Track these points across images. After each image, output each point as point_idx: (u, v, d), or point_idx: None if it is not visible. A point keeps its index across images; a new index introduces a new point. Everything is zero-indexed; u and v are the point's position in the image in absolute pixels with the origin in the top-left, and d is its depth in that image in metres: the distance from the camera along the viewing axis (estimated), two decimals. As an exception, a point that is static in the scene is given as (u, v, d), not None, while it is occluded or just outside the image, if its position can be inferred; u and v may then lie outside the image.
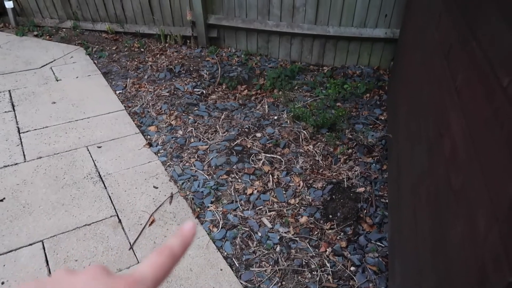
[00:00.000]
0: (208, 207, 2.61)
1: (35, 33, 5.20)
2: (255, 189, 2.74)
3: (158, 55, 4.67)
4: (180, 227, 0.39)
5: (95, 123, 3.43)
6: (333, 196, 2.66)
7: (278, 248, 2.34)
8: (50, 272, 2.14)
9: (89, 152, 3.07)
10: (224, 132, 3.33)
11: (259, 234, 2.43)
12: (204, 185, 2.77)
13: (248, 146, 3.16)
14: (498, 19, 1.09)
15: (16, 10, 5.31)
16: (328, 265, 2.23)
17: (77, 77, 4.18)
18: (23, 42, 4.96)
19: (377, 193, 2.67)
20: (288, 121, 3.44)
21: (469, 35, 1.34)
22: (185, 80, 4.13)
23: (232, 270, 2.20)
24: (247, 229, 2.46)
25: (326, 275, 2.18)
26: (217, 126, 3.41)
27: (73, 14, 5.25)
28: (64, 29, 5.29)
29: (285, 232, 2.43)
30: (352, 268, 2.22)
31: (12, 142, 3.15)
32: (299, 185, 2.77)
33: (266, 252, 2.32)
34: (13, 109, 3.60)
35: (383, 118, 3.46)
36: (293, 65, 4.35)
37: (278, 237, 2.40)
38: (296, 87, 4.00)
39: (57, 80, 4.11)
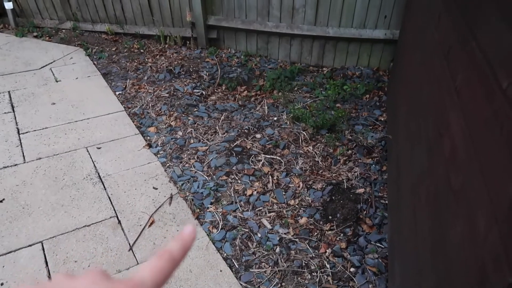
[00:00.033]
0: (207, 208, 2.61)
1: (35, 34, 5.20)
2: (255, 190, 2.74)
3: (157, 56, 4.67)
4: (180, 230, 0.39)
5: (94, 124, 3.43)
6: (333, 197, 2.66)
7: (277, 249, 2.34)
8: (49, 273, 2.14)
9: (89, 153, 3.07)
10: (224, 133, 3.33)
11: (259, 235, 2.43)
12: (204, 186, 2.76)
13: (248, 147, 3.15)
14: (497, 19, 1.10)
15: (15, 11, 5.31)
16: (327, 266, 2.23)
17: (76, 78, 4.18)
18: (22, 43, 4.96)
19: (377, 194, 2.67)
20: (288, 122, 3.44)
21: (469, 35, 1.34)
22: (184, 81, 4.13)
23: (232, 271, 2.20)
24: (247, 230, 2.46)
25: (325, 276, 2.18)
26: (217, 127, 3.41)
27: (73, 15, 5.26)
28: (63, 30, 5.29)
29: (284, 233, 2.43)
30: (352, 269, 2.21)
31: (11, 143, 3.15)
32: (298, 186, 2.77)
33: (266, 253, 2.31)
34: (13, 110, 3.59)
35: (382, 119, 3.46)
36: (292, 66, 4.35)
37: (278, 238, 2.39)
38: (295, 88, 4.00)
39: (57, 81, 4.10)
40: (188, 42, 4.88)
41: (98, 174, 2.86)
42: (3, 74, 4.21)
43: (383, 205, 2.58)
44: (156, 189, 2.75)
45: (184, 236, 0.39)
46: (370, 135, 3.19)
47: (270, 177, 2.85)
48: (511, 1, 1.03)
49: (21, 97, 3.79)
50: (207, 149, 3.15)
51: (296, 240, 2.39)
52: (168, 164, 2.98)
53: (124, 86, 4.06)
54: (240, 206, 2.62)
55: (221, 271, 2.19)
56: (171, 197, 2.67)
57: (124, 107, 3.71)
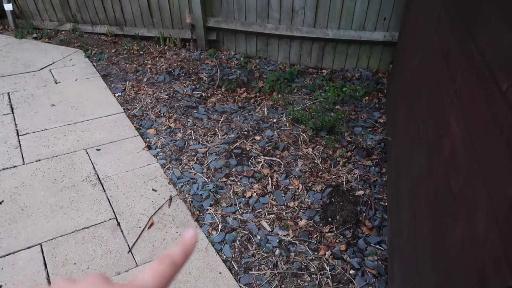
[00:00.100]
0: (207, 210, 2.61)
1: (34, 35, 5.20)
2: (254, 192, 2.74)
3: (157, 58, 4.67)
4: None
5: (94, 126, 3.43)
6: (332, 199, 2.66)
7: (277, 251, 2.33)
8: (48, 276, 2.13)
9: (88, 155, 3.06)
10: (223, 135, 3.33)
11: (258, 237, 2.42)
12: (203, 188, 2.76)
13: (247, 149, 3.15)
14: (497, 21, 1.10)
15: (15, 12, 5.31)
16: (327, 268, 2.23)
17: (76, 80, 4.18)
18: (22, 44, 4.96)
19: (376, 196, 2.67)
20: (287, 124, 3.44)
21: (468, 37, 1.34)
22: (184, 82, 4.14)
23: (231, 273, 2.20)
24: (246, 232, 2.45)
25: (325, 278, 2.17)
26: (216, 129, 3.41)
27: (73, 17, 5.26)
28: (63, 32, 5.30)
29: (284, 235, 2.43)
30: (352, 272, 2.21)
31: (11, 144, 3.15)
32: (298, 188, 2.77)
33: (265, 255, 2.31)
34: (12, 111, 3.59)
35: (382, 121, 3.46)
36: (292, 68, 4.35)
37: (277, 240, 2.39)
38: (295, 90, 4.01)
39: (56, 83, 4.10)
40: (187, 43, 4.88)
41: (98, 175, 2.86)
42: (2, 75, 4.21)
43: (383, 207, 2.58)
44: (156, 191, 2.74)
45: (185, 240, 0.39)
46: (370, 137, 3.19)
47: (269, 179, 2.85)
48: (511, 3, 1.04)
49: (20, 99, 3.79)
50: (207, 151, 3.14)
51: (295, 242, 2.38)
52: (167, 166, 2.98)
53: (123, 88, 4.06)
54: (240, 208, 2.62)
55: (220, 273, 2.19)
56: (170, 199, 2.67)
57: (124, 108, 3.71)
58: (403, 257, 1.79)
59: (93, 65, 4.50)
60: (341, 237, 2.41)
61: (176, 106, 3.72)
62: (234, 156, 3.07)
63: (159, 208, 2.59)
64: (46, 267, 2.18)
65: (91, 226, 2.45)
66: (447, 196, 1.23)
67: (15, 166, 2.92)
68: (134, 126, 3.45)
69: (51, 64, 4.48)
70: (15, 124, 3.40)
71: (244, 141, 3.24)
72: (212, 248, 2.34)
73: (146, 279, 0.35)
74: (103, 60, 4.62)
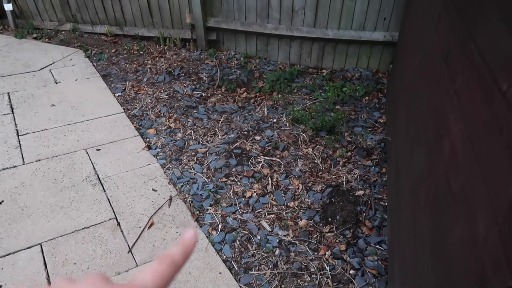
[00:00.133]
0: (207, 210, 2.61)
1: (34, 35, 5.20)
2: (254, 192, 2.74)
3: (157, 58, 4.67)
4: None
5: (94, 126, 3.43)
6: (332, 199, 2.66)
7: (277, 251, 2.33)
8: (48, 276, 2.13)
9: (88, 155, 3.06)
10: (223, 135, 3.33)
11: (258, 237, 2.42)
12: (203, 188, 2.76)
13: (247, 149, 3.15)
14: (497, 22, 1.10)
15: (15, 12, 5.31)
16: (327, 268, 2.23)
17: (76, 80, 4.18)
18: (22, 44, 4.96)
19: (376, 196, 2.67)
20: (287, 124, 3.44)
21: (468, 37, 1.34)
22: (184, 82, 4.14)
23: (231, 273, 2.20)
24: (246, 232, 2.45)
25: (325, 279, 2.17)
26: (216, 129, 3.41)
27: (73, 17, 5.26)
28: (63, 32, 5.30)
29: (284, 235, 2.43)
30: (352, 272, 2.21)
31: (11, 144, 3.15)
32: (298, 188, 2.77)
33: (265, 255, 2.31)
34: (12, 111, 3.59)
35: (382, 121, 3.47)
36: (292, 68, 4.35)
37: (277, 240, 2.39)
38: (295, 90, 4.01)
39: (56, 83, 4.10)
40: (187, 43, 4.88)
41: (98, 175, 2.86)
42: (2, 75, 4.21)
43: (383, 207, 2.58)
44: (156, 191, 2.74)
45: (186, 240, 0.39)
46: (370, 137, 3.20)
47: (269, 179, 2.85)
48: (511, 3, 1.04)
49: (20, 99, 3.79)
50: (207, 151, 3.15)
51: (295, 242, 2.38)
52: (167, 166, 2.98)
53: (123, 88, 4.06)
54: (240, 208, 2.62)
55: (220, 273, 2.19)
56: (170, 199, 2.67)
57: (124, 108, 3.71)
58: (403, 257, 1.79)
59: (93, 65, 4.50)
60: (341, 237, 2.41)
61: (176, 106, 3.72)
62: (234, 156, 3.07)
63: (159, 208, 2.59)
64: (46, 267, 2.18)
65: (91, 226, 2.45)
66: (447, 196, 1.23)
67: (15, 166, 2.92)
68: (134, 126, 3.45)
69: (51, 64, 4.48)
70: (15, 124, 3.41)
71: (244, 141, 3.24)
72: (212, 248, 2.34)
73: (146, 279, 0.35)
74: (103, 60, 4.62)
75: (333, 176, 2.86)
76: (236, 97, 3.93)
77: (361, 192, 2.69)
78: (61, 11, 5.24)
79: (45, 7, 5.25)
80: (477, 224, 0.95)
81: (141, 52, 4.81)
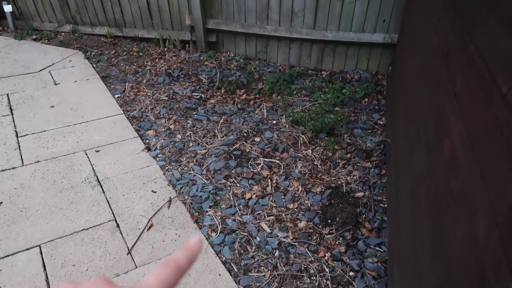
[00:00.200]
0: (206, 211, 2.60)
1: (34, 37, 5.20)
2: (254, 193, 2.73)
3: (157, 59, 4.67)
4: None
5: (93, 127, 3.43)
6: (332, 201, 2.65)
7: (276, 253, 2.33)
8: (47, 277, 2.13)
9: (87, 156, 3.06)
10: (223, 137, 3.33)
11: (258, 239, 2.42)
12: (203, 190, 2.76)
13: (247, 150, 3.15)
14: (496, 23, 1.10)
15: (15, 14, 5.31)
16: (327, 270, 2.22)
17: (75, 81, 4.18)
18: (21, 46, 4.96)
19: (376, 198, 2.67)
20: (287, 126, 3.44)
21: (467, 39, 1.34)
22: (183, 84, 4.14)
23: (231, 275, 2.19)
24: (246, 233, 2.45)
25: (325, 280, 2.17)
26: (216, 131, 3.40)
27: (72, 18, 5.26)
28: (63, 33, 5.30)
29: (284, 237, 2.42)
30: (351, 273, 2.21)
31: (10, 146, 3.14)
32: (297, 190, 2.77)
33: (265, 257, 2.31)
34: (11, 113, 3.59)
35: (381, 122, 3.47)
36: (291, 69, 4.36)
37: (277, 242, 2.39)
38: (294, 92, 4.01)
39: (56, 84, 4.10)
40: (187, 45, 4.89)
41: (97, 177, 2.85)
42: (1, 77, 4.20)
43: (382, 209, 2.58)
44: (155, 192, 2.74)
45: (191, 245, 0.39)
46: (369, 138, 3.20)
47: (269, 180, 2.84)
48: (510, 5, 1.04)
49: (19, 100, 3.79)
50: (206, 152, 3.14)
51: (295, 244, 2.38)
52: (167, 168, 2.98)
53: (123, 89, 4.06)
54: (239, 210, 2.62)
55: (220, 275, 2.18)
56: (170, 201, 2.67)
57: (123, 110, 3.71)
58: (402, 258, 1.79)
59: (93, 67, 4.50)
60: (341, 239, 2.41)
61: (175, 107, 3.72)
62: (233, 158, 3.06)
63: (158, 210, 2.59)
64: (45, 268, 2.17)
65: (90, 227, 2.44)
66: (447, 197, 1.23)
67: (14, 168, 2.91)
68: (134, 128, 3.45)
69: (50, 66, 4.48)
70: (14, 125, 3.40)
71: (244, 142, 3.24)
72: (212, 249, 2.33)
73: (150, 282, 0.34)
74: (102, 62, 4.63)
75: (333, 178, 2.85)
76: (236, 99, 3.94)
77: (360, 194, 2.69)
78: (61, 12, 5.24)
79: (44, 9, 5.26)
80: (477, 224, 0.95)
81: (141, 54, 4.81)
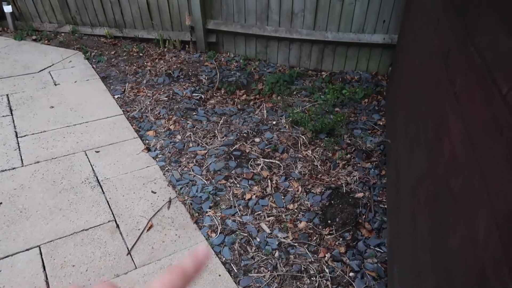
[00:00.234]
0: (206, 212, 2.60)
1: (34, 37, 5.20)
2: (254, 194, 2.73)
3: (156, 60, 4.67)
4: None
5: (93, 128, 3.43)
6: (332, 202, 2.65)
7: (276, 254, 2.33)
8: (47, 278, 2.12)
9: (87, 157, 3.06)
10: (223, 137, 3.33)
11: (258, 239, 2.42)
12: (203, 190, 2.76)
13: (247, 151, 3.15)
14: (497, 23, 1.10)
15: (15, 14, 5.31)
16: (327, 270, 2.22)
17: (75, 82, 4.18)
18: (21, 46, 4.96)
19: (376, 199, 2.66)
20: (287, 126, 3.44)
21: (467, 39, 1.34)
22: (183, 84, 4.14)
23: (231, 275, 2.19)
24: (246, 234, 2.45)
25: (325, 281, 2.17)
26: (216, 131, 3.40)
27: (72, 19, 5.26)
28: (62, 34, 5.30)
29: (283, 238, 2.42)
30: (351, 274, 2.21)
31: (9, 146, 3.14)
32: (297, 190, 2.76)
33: (265, 257, 2.31)
34: (11, 113, 3.59)
35: (381, 123, 3.47)
36: (291, 70, 4.36)
37: (277, 243, 2.39)
38: (294, 92, 4.01)
39: (56, 85, 4.10)
40: (187, 46, 4.89)
41: (97, 177, 2.85)
42: (1, 77, 4.20)
43: (382, 210, 2.58)
44: (155, 193, 2.74)
45: (199, 254, 0.39)
46: (369, 139, 3.19)
47: (269, 181, 2.84)
48: (510, 6, 1.04)
49: (19, 101, 3.79)
50: (206, 153, 3.14)
51: (295, 244, 2.38)
52: (166, 168, 2.98)
53: (123, 90, 4.06)
54: (239, 210, 2.61)
55: (219, 275, 2.18)
56: (169, 201, 2.67)
57: (123, 110, 3.70)
58: (402, 259, 1.79)
59: (93, 67, 4.50)
60: (341, 239, 2.40)
61: (175, 108, 3.72)
62: (233, 158, 3.06)
63: (158, 210, 2.59)
64: (44, 269, 2.17)
65: (90, 228, 2.44)
66: (447, 197, 1.23)
67: (14, 168, 2.91)
68: (134, 128, 3.45)
69: (50, 66, 4.48)
70: (14, 126, 3.40)
71: (244, 143, 3.24)
72: (212, 250, 2.33)
73: (155, 287, 0.34)
74: (102, 62, 4.63)
75: (333, 178, 2.85)
76: (236, 99, 3.94)
77: (360, 195, 2.69)
78: (61, 13, 5.24)
79: (44, 9, 5.26)
80: (477, 224, 0.95)
81: (141, 54, 4.81)
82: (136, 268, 2.20)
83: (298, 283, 2.16)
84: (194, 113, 3.66)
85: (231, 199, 2.71)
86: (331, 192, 2.71)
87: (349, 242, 2.38)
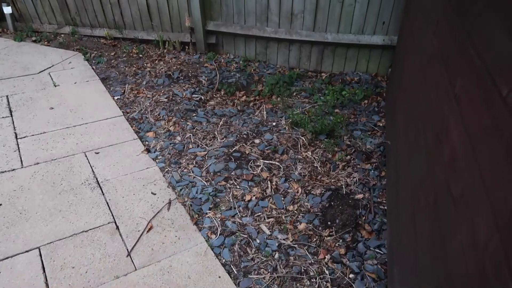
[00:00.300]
0: (206, 213, 2.60)
1: (34, 38, 5.20)
2: (254, 195, 2.73)
3: (156, 61, 4.67)
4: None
5: (93, 129, 3.43)
6: (332, 203, 2.65)
7: (276, 255, 2.32)
8: (46, 279, 2.12)
9: (87, 158, 3.06)
10: (223, 138, 3.33)
11: (258, 241, 2.41)
12: (203, 192, 2.76)
13: (247, 152, 3.15)
14: (496, 25, 1.10)
15: (14, 15, 5.32)
16: (327, 272, 2.22)
17: (75, 83, 4.18)
18: (21, 47, 4.96)
19: (376, 200, 2.66)
20: (287, 128, 3.44)
21: (467, 40, 1.34)
22: (183, 86, 4.14)
23: (231, 277, 2.19)
24: (246, 236, 2.45)
25: (325, 283, 2.17)
26: (216, 132, 3.40)
27: (72, 20, 5.26)
28: (62, 35, 5.30)
29: (283, 239, 2.42)
30: (351, 275, 2.20)
31: (9, 147, 3.14)
32: (297, 192, 2.76)
33: (265, 259, 2.30)
34: (11, 114, 3.58)
35: (381, 124, 3.47)
36: (291, 71, 4.36)
37: (277, 244, 2.38)
38: (294, 94, 4.01)
39: (55, 86, 4.10)
40: (187, 47, 4.89)
41: (96, 179, 2.85)
42: (1, 78, 4.20)
43: (382, 211, 2.58)
44: (155, 194, 2.74)
45: None
46: (369, 140, 3.20)
47: (269, 182, 2.84)
48: (510, 7, 1.04)
49: (19, 102, 3.79)
50: (206, 154, 3.14)
51: (295, 246, 2.38)
52: (166, 169, 2.97)
53: (122, 91, 4.06)
54: (239, 212, 2.61)
55: (219, 277, 2.18)
56: (169, 203, 2.66)
57: (123, 112, 3.70)
58: (402, 260, 1.79)
59: (92, 68, 4.50)
60: (341, 241, 2.40)
61: (175, 109, 3.72)
62: (233, 160, 3.06)
63: (158, 212, 2.59)
64: (44, 271, 2.17)
65: (90, 229, 2.44)
66: (447, 200, 1.23)
67: (13, 169, 2.91)
68: (133, 129, 3.45)
69: (50, 67, 4.48)
70: (14, 127, 3.40)
71: (244, 144, 3.24)
72: (211, 251, 2.33)
73: None
74: (102, 63, 4.63)
75: (333, 180, 2.85)
76: (235, 101, 3.94)
77: (360, 196, 2.69)
78: (61, 14, 5.25)
79: (44, 10, 5.26)
80: (478, 228, 0.95)
81: (140, 55, 4.81)
82: (136, 269, 2.20)
83: (298, 284, 2.16)
84: (194, 114, 3.66)
85: (231, 200, 2.70)
86: (331, 194, 2.71)
87: (349, 243, 2.38)
